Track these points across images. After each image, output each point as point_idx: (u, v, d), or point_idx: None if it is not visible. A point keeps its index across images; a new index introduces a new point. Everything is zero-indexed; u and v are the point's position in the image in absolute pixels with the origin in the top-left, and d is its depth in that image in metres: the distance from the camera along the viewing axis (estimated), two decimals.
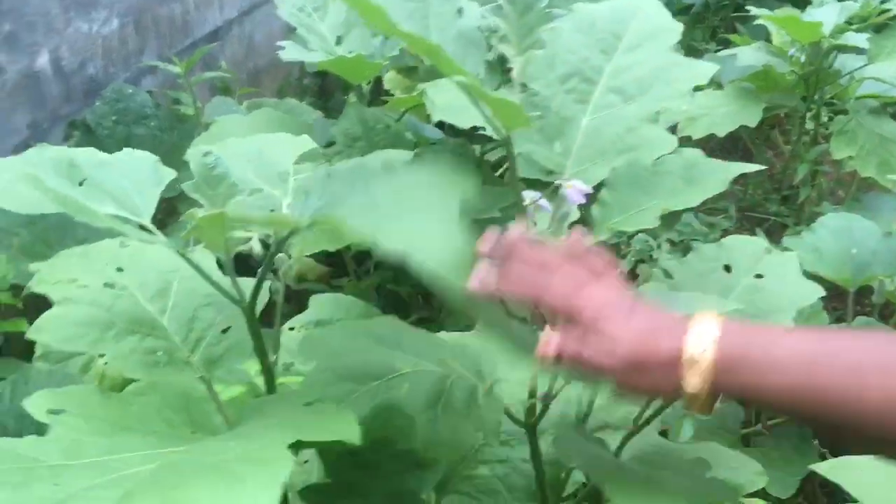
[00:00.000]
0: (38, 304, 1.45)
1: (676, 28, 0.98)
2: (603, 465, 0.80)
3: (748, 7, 2.27)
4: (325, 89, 2.80)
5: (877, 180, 2.09)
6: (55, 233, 1.60)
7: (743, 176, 2.63)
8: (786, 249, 1.75)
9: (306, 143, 0.92)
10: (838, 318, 1.91)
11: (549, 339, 0.68)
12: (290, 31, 2.78)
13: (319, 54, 1.47)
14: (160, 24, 2.08)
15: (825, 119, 2.44)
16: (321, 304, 1.42)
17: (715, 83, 2.53)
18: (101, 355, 1.05)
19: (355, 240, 0.60)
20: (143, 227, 0.76)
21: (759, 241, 1.09)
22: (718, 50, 2.83)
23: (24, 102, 1.64)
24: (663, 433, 1.42)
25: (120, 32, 1.93)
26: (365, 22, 0.77)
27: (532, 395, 0.92)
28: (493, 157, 1.81)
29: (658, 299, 0.80)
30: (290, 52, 1.45)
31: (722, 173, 0.85)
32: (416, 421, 0.83)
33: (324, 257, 1.83)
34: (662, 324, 0.66)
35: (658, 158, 0.89)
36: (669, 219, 2.33)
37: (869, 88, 2.21)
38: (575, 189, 0.86)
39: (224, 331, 0.93)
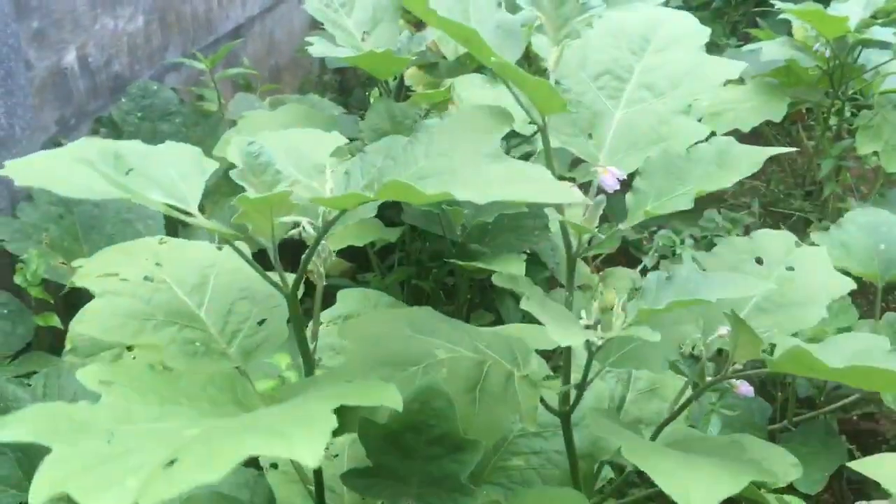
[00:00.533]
0: (69, 300, 1.46)
1: (704, 31, 0.99)
2: (641, 445, 0.81)
3: (772, 1, 2.26)
4: (345, 85, 2.81)
5: None
6: (83, 228, 1.62)
7: (765, 171, 2.62)
8: (812, 245, 1.75)
9: (338, 138, 0.92)
10: (866, 313, 1.90)
11: None
12: (311, 28, 2.79)
13: (347, 49, 1.48)
14: (184, 20, 2.09)
15: (848, 114, 2.42)
16: (349, 298, 1.42)
17: (737, 79, 2.53)
18: (130, 349, 1.07)
19: (423, 200, 0.61)
20: (188, 213, 0.77)
21: (790, 235, 1.09)
22: (740, 45, 2.82)
23: (51, 99, 1.65)
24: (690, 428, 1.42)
25: (145, 29, 1.94)
26: (405, 3, 0.78)
27: (567, 381, 0.92)
28: (517, 153, 1.81)
29: (694, 280, 0.80)
30: (318, 47, 1.45)
31: (755, 156, 0.85)
32: (455, 404, 0.84)
33: (347, 254, 1.84)
34: None
35: (691, 147, 0.89)
36: (692, 215, 2.33)
37: (894, 83, 2.19)
38: (611, 174, 0.86)
39: (260, 323, 0.93)
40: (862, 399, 1.57)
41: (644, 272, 2.21)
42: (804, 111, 2.72)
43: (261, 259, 0.87)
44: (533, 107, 0.87)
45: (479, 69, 2.16)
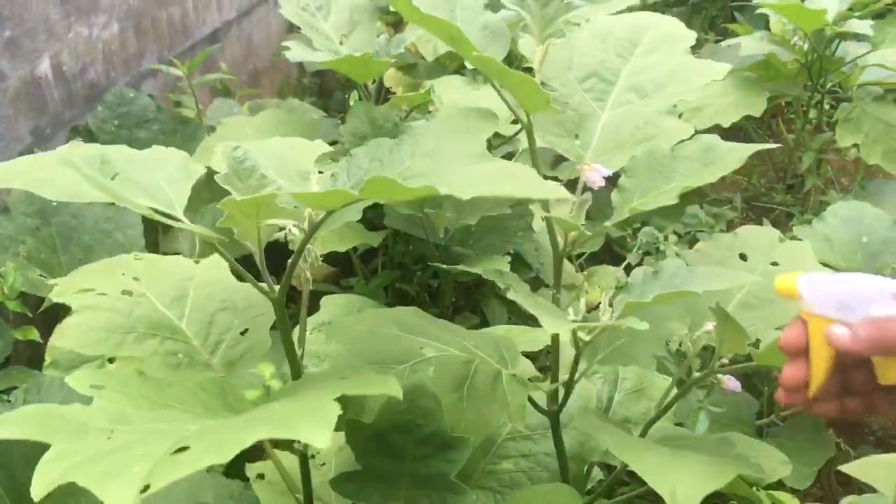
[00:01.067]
0: (48, 313, 1.44)
1: (690, 35, 0.99)
2: (629, 441, 0.80)
3: None
4: (324, 88, 2.79)
5: (882, 167, 2.08)
6: (61, 240, 1.60)
7: (747, 166, 2.63)
8: (794, 238, 1.76)
9: (321, 146, 0.92)
10: None
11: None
12: (288, 32, 2.77)
13: (325, 53, 1.46)
14: (159, 26, 2.07)
15: (828, 107, 2.44)
16: (332, 304, 1.41)
17: None
18: (111, 360, 1.05)
19: (407, 196, 0.60)
20: (174, 218, 0.76)
21: (773, 231, 1.09)
22: (719, 40, 2.83)
23: (25, 109, 1.62)
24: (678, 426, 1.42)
25: (120, 36, 1.92)
26: (391, 3, 0.78)
27: (554, 379, 0.92)
28: (498, 154, 1.81)
29: (680, 274, 0.80)
30: (295, 52, 1.44)
31: (739, 153, 0.85)
32: (442, 402, 0.84)
33: (331, 259, 1.82)
34: None
35: (676, 145, 0.89)
36: (675, 211, 2.33)
37: (872, 75, 2.20)
38: (596, 171, 0.86)
39: (242, 333, 0.92)
40: None
41: (628, 269, 2.21)
42: (784, 105, 2.73)
43: (242, 267, 0.86)
44: (518, 105, 0.86)
45: (459, 70, 2.15)
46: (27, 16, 1.59)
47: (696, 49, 2.94)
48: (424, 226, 1.56)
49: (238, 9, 2.46)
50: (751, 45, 2.14)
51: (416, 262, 1.81)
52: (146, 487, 0.49)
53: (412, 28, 1.79)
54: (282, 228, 0.77)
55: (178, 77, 1.96)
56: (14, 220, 1.55)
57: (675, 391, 0.97)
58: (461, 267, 1.47)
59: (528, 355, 1.11)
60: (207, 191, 1.15)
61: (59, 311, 0.97)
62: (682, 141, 0.89)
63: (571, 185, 0.91)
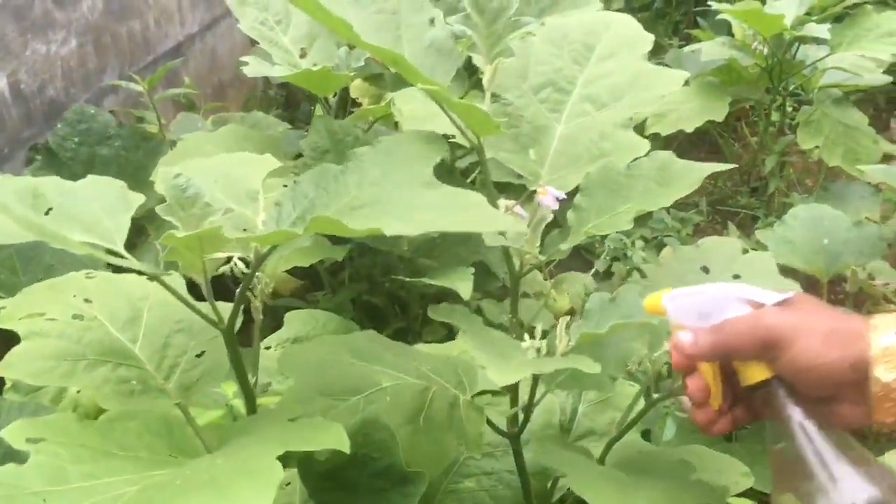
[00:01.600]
0: (10, 336, 1.41)
1: (648, 38, 0.98)
2: (584, 471, 0.80)
3: (709, 2, 2.29)
4: (291, 100, 2.77)
5: (843, 168, 2.11)
6: (21, 260, 1.57)
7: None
8: (758, 242, 1.77)
9: (271, 162, 0.90)
10: None
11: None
12: (253, 45, 2.76)
13: (283, 68, 1.45)
14: (120, 42, 2.05)
15: (790, 109, 2.46)
16: (296, 320, 1.40)
17: None
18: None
19: (352, 234, 0.60)
20: (115, 253, 0.74)
21: (736, 242, 1.09)
22: (682, 45, 2.85)
23: None
24: (646, 434, 1.43)
25: (79, 52, 1.90)
26: (328, 26, 0.77)
27: (514, 403, 0.91)
28: (462, 163, 1.81)
29: (637, 301, 0.80)
30: (253, 67, 1.43)
31: (694, 173, 0.85)
32: (397, 434, 0.83)
33: (298, 272, 1.81)
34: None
35: (631, 162, 0.88)
36: (642, 216, 2.35)
37: (832, 78, 2.23)
38: (549, 195, 0.85)
39: (199, 355, 0.91)
40: None
41: (597, 276, 2.22)
42: (749, 108, 2.76)
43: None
44: (468, 128, 0.86)
45: None
46: None
47: (660, 54, 2.97)
48: (388, 238, 1.55)
49: (201, 22, 2.45)
50: (711, 50, 2.16)
51: (385, 273, 1.80)
52: None
53: None
54: (229, 260, 0.76)
55: (141, 92, 1.94)
56: None
57: (640, 405, 0.97)
58: (424, 279, 1.47)
59: None
60: None
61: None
62: (638, 158, 0.89)
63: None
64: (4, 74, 1.65)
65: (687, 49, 2.40)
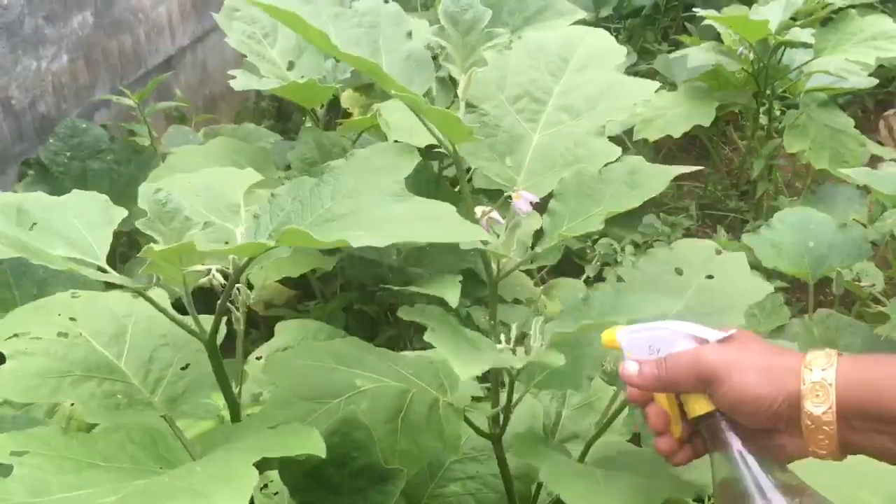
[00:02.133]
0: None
1: (621, 50, 1.01)
2: (558, 467, 0.81)
3: (694, 8, 2.31)
4: (282, 111, 2.79)
5: (830, 171, 2.13)
6: (14, 275, 1.58)
7: (702, 174, 2.67)
8: (744, 246, 1.78)
9: (252, 175, 0.92)
10: (802, 310, 1.94)
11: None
12: (243, 57, 2.78)
13: (271, 81, 1.47)
14: (111, 56, 2.07)
15: (778, 113, 2.48)
16: (287, 330, 1.41)
17: (670, 84, 2.57)
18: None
19: (322, 246, 0.62)
20: (99, 268, 0.76)
21: (710, 244, 1.10)
22: (671, 50, 2.87)
23: None
24: (635, 439, 1.44)
25: (70, 67, 1.92)
26: (308, 39, 0.79)
27: (495, 405, 0.93)
28: (450, 172, 1.82)
29: (608, 301, 0.81)
30: (240, 80, 1.45)
31: (663, 176, 0.87)
32: (376, 434, 0.84)
33: (290, 282, 1.83)
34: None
35: (603, 167, 0.90)
36: (632, 221, 2.36)
37: (818, 81, 2.25)
38: (523, 199, 0.87)
39: (184, 368, 0.92)
40: None
41: (588, 281, 2.23)
42: (738, 112, 2.78)
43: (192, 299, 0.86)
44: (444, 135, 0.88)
45: None
46: None
47: (649, 59, 2.99)
48: (377, 247, 1.57)
49: (192, 35, 2.47)
50: (697, 56, 2.18)
51: (376, 282, 1.81)
52: None
53: None
54: (209, 272, 0.78)
55: (132, 106, 1.96)
56: None
57: (618, 402, 0.98)
58: (412, 288, 1.48)
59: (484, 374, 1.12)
60: None
61: None
62: (610, 163, 0.91)
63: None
64: None
65: (675, 54, 2.42)
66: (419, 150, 1.54)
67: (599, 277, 2.26)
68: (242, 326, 0.88)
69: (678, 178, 2.82)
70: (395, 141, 1.60)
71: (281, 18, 0.82)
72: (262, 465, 0.87)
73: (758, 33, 2.08)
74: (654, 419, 0.73)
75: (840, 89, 2.29)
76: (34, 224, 0.76)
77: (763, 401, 0.65)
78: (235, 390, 0.89)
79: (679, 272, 1.02)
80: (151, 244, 0.70)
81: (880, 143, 2.42)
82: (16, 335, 0.83)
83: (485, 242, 0.88)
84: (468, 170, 1.24)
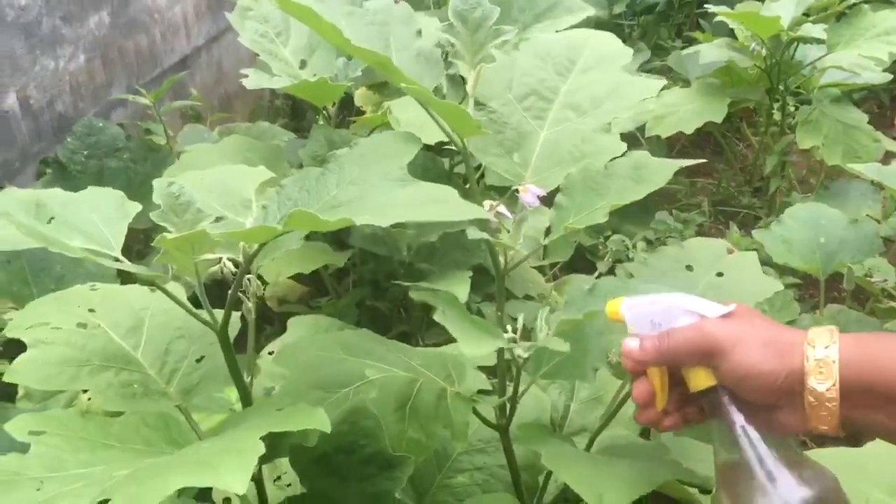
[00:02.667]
0: (19, 346, 1.46)
1: (626, 52, 1.03)
2: (562, 453, 0.83)
3: (707, 5, 2.31)
4: (296, 109, 2.82)
5: (843, 167, 2.12)
6: (32, 272, 1.61)
7: (715, 170, 2.67)
8: (755, 242, 1.79)
9: (264, 173, 0.94)
10: (814, 307, 1.94)
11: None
12: (257, 55, 2.80)
13: (283, 80, 1.49)
14: (127, 56, 2.10)
15: (791, 109, 2.48)
16: (299, 325, 1.43)
17: (683, 80, 2.57)
18: (85, 391, 1.06)
19: (326, 227, 0.64)
20: (114, 258, 0.78)
21: (721, 243, 1.12)
22: (684, 47, 2.87)
23: None
24: (645, 433, 1.45)
25: (87, 67, 1.94)
26: (321, 34, 0.81)
27: (501, 394, 0.94)
28: (461, 169, 1.84)
29: (614, 290, 0.83)
30: (253, 79, 1.47)
31: (666, 169, 0.88)
32: (384, 423, 0.86)
33: (303, 278, 1.85)
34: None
35: (609, 162, 0.92)
36: (644, 218, 2.36)
37: (832, 77, 2.25)
38: (530, 192, 0.88)
39: (198, 360, 0.95)
40: None
41: (600, 277, 2.24)
42: (752, 108, 2.77)
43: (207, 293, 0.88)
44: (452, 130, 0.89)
45: None
46: None
47: (662, 56, 2.98)
48: (387, 243, 1.59)
49: (207, 35, 2.49)
50: (709, 52, 2.18)
51: (388, 278, 1.83)
52: None
53: None
54: (220, 261, 0.79)
55: (148, 105, 1.98)
56: None
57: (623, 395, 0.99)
58: (423, 284, 1.50)
59: (489, 369, 1.13)
60: None
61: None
62: (616, 158, 0.92)
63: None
64: (14, 90, 1.70)
65: (687, 51, 2.42)
66: (429, 147, 1.56)
67: (611, 274, 2.27)
68: (253, 316, 0.90)
69: (691, 174, 2.81)
70: None
71: (294, 13, 0.84)
72: (273, 453, 0.89)
73: (770, 29, 2.07)
74: (639, 393, 0.73)
75: (854, 85, 2.28)
76: (52, 218, 0.78)
77: (768, 376, 0.65)
78: (247, 380, 0.90)
79: (689, 269, 1.03)
80: (163, 234, 0.72)
81: (895, 139, 2.41)
82: (37, 325, 0.85)
83: (486, 229, 0.90)
84: (479, 167, 1.26)
